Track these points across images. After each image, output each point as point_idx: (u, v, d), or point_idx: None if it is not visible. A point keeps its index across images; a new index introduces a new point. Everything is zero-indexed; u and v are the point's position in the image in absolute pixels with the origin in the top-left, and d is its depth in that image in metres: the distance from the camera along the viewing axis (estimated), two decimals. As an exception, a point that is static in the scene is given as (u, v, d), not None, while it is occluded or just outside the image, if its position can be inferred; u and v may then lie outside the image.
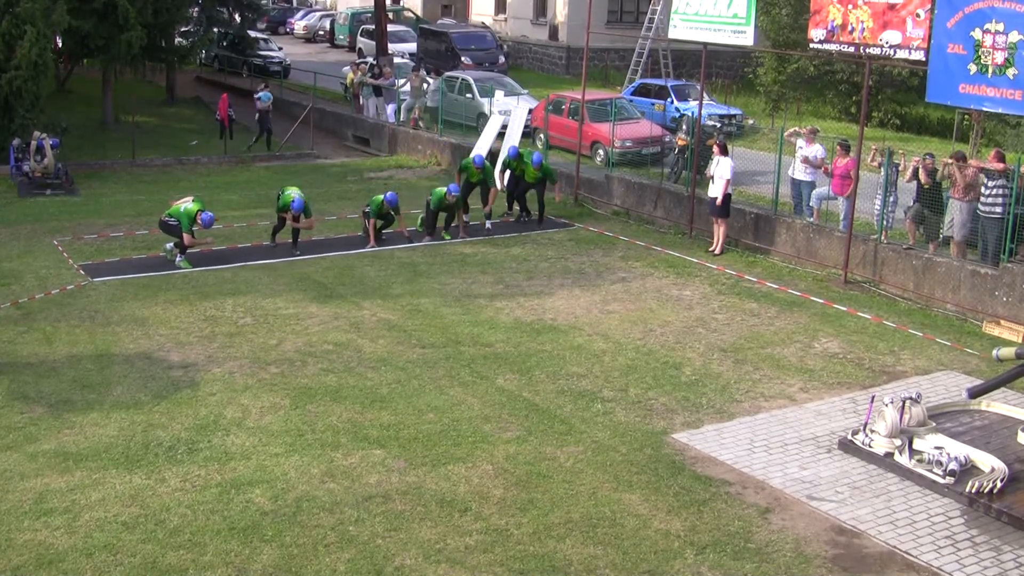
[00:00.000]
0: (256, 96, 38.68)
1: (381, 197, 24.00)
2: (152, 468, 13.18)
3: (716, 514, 12.49)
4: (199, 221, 21.76)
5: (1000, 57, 18.79)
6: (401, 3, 67.04)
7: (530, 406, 15.25)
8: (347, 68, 44.88)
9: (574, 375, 16.43)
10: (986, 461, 13.67)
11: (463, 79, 38.17)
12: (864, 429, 14.24)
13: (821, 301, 20.42)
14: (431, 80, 39.44)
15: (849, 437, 14.32)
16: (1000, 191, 20.21)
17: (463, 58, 47.04)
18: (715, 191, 23.35)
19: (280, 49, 54.86)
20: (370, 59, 44.34)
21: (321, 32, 67.65)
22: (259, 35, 56.56)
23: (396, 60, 43.58)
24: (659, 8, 43.29)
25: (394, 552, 11.42)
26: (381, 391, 15.61)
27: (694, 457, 13.89)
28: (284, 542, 11.58)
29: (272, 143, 37.68)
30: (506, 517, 12.19)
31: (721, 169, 23.29)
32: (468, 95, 37.07)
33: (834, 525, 12.41)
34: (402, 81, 38.60)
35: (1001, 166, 20.52)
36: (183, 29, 45.92)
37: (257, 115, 38.12)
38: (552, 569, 11.24)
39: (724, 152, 23.57)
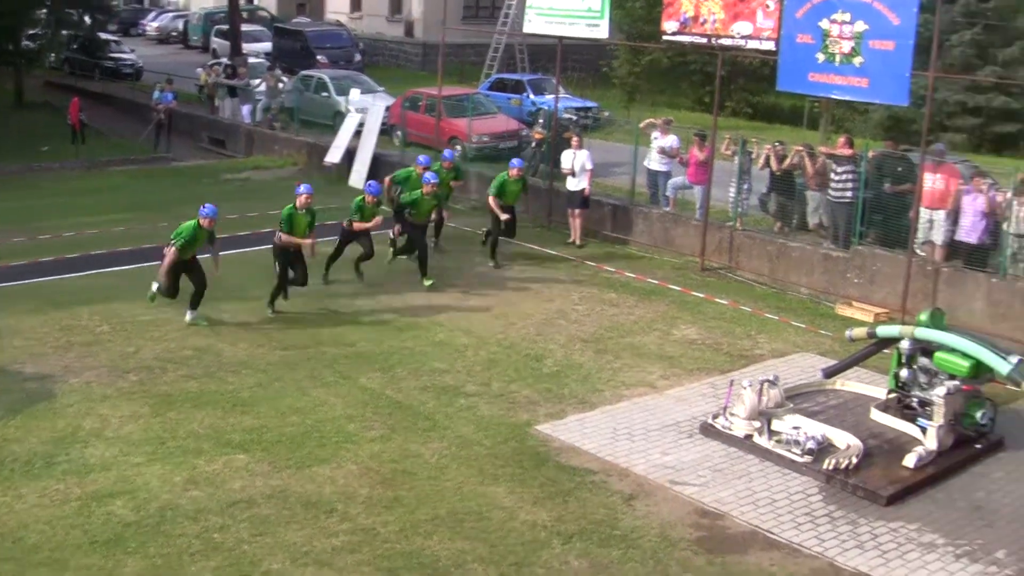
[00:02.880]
0: (156, 97, 38.15)
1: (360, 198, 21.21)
2: (8, 484, 12.82)
3: (581, 503, 12.60)
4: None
5: (847, 46, 19.25)
6: (255, 2, 66.33)
7: (393, 404, 15.22)
8: (200, 69, 44.28)
9: (437, 371, 16.44)
10: (842, 438, 14.03)
11: (319, 78, 37.93)
12: (724, 413, 14.50)
13: (679, 289, 20.73)
14: (286, 79, 39.11)
15: (709, 421, 14.56)
16: (849, 176, 20.72)
17: (319, 57, 46.75)
18: (579, 184, 23.51)
19: (132, 51, 53.93)
20: (224, 59, 43.79)
21: (174, 33, 66.56)
22: (110, 37, 55.53)
23: (251, 60, 43.09)
24: (514, 3, 43.45)
25: (261, 557, 11.31)
26: (243, 395, 15.44)
27: (558, 448, 13.99)
28: (148, 553, 11.38)
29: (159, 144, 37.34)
30: (373, 516, 12.15)
31: (584, 161, 23.46)
32: (324, 94, 36.84)
33: (697, 508, 12.60)
34: (257, 81, 38.22)
35: (850, 152, 21.03)
36: (31, 32, 44.86)
37: (157, 116, 37.63)
38: (420, 566, 11.24)
39: (581, 145, 23.78)
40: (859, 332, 15.87)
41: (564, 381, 16.19)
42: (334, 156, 30.94)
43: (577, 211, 23.82)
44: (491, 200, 22.44)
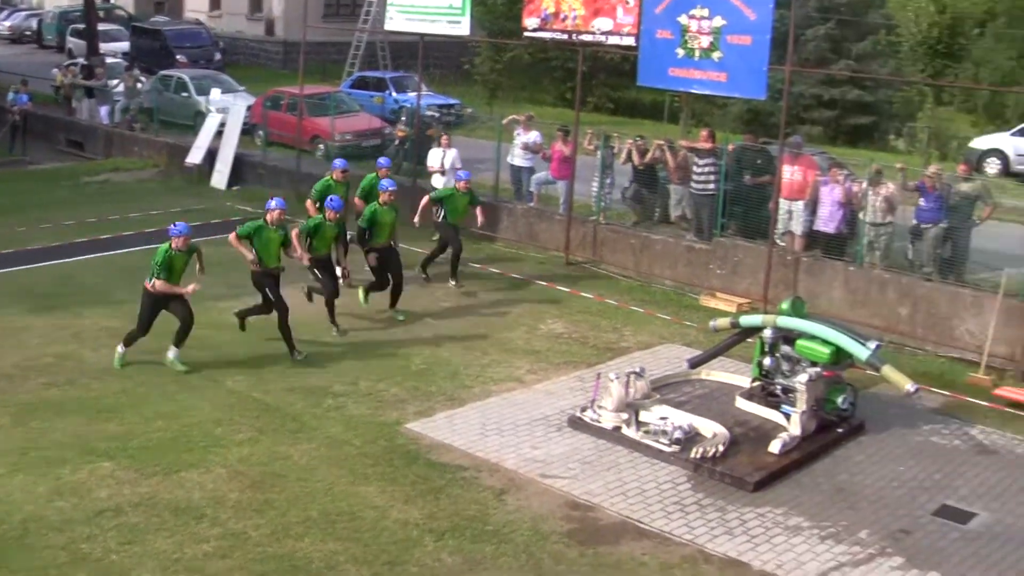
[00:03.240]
0: (11, 98, 37.19)
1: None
2: None
3: (453, 499, 12.61)
4: (174, 246, 16.35)
5: (706, 41, 19.54)
6: (112, 1, 65.07)
7: (261, 406, 15.06)
8: (56, 70, 43.29)
9: (303, 371, 16.31)
10: (708, 427, 14.24)
11: (178, 78, 37.39)
12: (592, 405, 14.63)
13: (545, 283, 20.86)
14: (145, 80, 38.47)
15: (578, 414, 14.67)
16: (711, 169, 21.05)
17: (178, 56, 46.04)
18: (448, 182, 23.40)
19: (-17, 51, 52.66)
20: (81, 60, 42.87)
21: (28, 32, 64.86)
22: (-42, 37, 54.11)
23: (108, 60, 42.19)
24: (375, 1, 43.28)
25: (130, 567, 11.10)
26: (107, 401, 15.14)
27: (428, 445, 13.99)
28: (12, 567, 11.09)
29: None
30: (243, 520, 12.02)
31: (454, 160, 23.42)
32: (184, 94, 36.33)
33: (568, 501, 12.69)
34: (115, 82, 37.50)
35: (710, 145, 21.36)
36: None
37: (11, 118, 36.68)
38: (293, 569, 11.14)
39: (450, 143, 23.78)
40: (723, 322, 16.13)
41: (432, 378, 16.19)
42: (195, 157, 30.50)
43: None
44: (424, 201, 20.71)
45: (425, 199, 20.76)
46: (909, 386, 14.09)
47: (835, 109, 38.69)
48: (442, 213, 20.51)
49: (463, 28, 24.60)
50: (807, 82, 37.70)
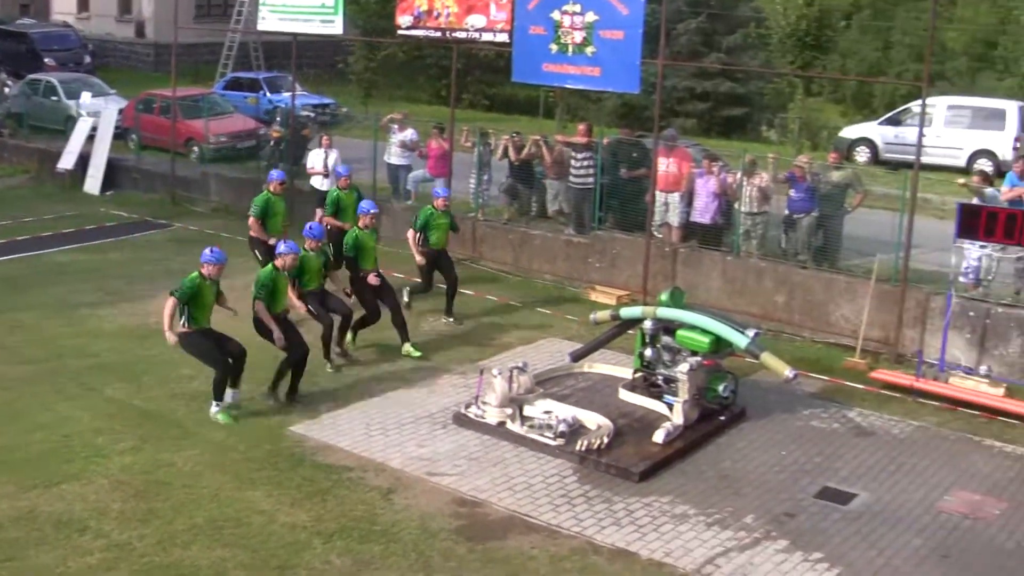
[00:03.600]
0: None
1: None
2: None
3: (340, 501, 12.55)
4: (206, 273, 14.75)
5: (579, 36, 19.68)
6: (-27, 5, 63.53)
7: (142, 414, 14.83)
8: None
9: (185, 377, 16.07)
10: (592, 419, 14.36)
11: (47, 81, 36.54)
12: (476, 402, 14.65)
13: (427, 282, 20.81)
14: (12, 84, 37.62)
15: (463, 411, 14.69)
16: (588, 163, 21.21)
17: (46, 59, 44.98)
18: (331, 184, 23.17)
19: None
20: (-57, 66, 41.86)
21: None
22: None
23: (-29, 65, 41.30)
24: (247, 1, 42.85)
25: (10, 581, 10.91)
26: (-18, 414, 14.82)
27: (313, 447, 13.90)
28: None
29: None
30: (128, 531, 11.82)
31: (336, 161, 23.22)
32: (54, 98, 35.53)
33: (456, 497, 12.71)
34: (-20, 87, 36.67)
35: (586, 139, 21.52)
36: None
37: None
38: (180, 577, 11.03)
39: (332, 144, 23.61)
40: (603, 315, 16.27)
41: (315, 379, 16.06)
42: (67, 162, 29.89)
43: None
44: (410, 237, 18.71)
45: (410, 233, 18.60)
46: (788, 372, 14.35)
47: (708, 101, 39.21)
48: (421, 238, 18.59)
49: (336, 27, 24.48)
50: (680, 75, 38.16)
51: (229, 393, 14.84)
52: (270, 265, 15.52)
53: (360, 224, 17.29)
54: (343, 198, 19.44)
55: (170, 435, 14.16)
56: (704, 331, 14.65)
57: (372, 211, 17.34)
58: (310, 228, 16.40)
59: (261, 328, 15.17)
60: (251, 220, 18.95)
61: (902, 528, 12.41)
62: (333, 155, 23.29)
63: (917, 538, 12.21)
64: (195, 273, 14.67)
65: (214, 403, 14.69)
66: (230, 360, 14.77)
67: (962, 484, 13.55)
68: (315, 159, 23.47)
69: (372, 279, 16.95)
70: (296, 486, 12.86)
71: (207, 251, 14.83)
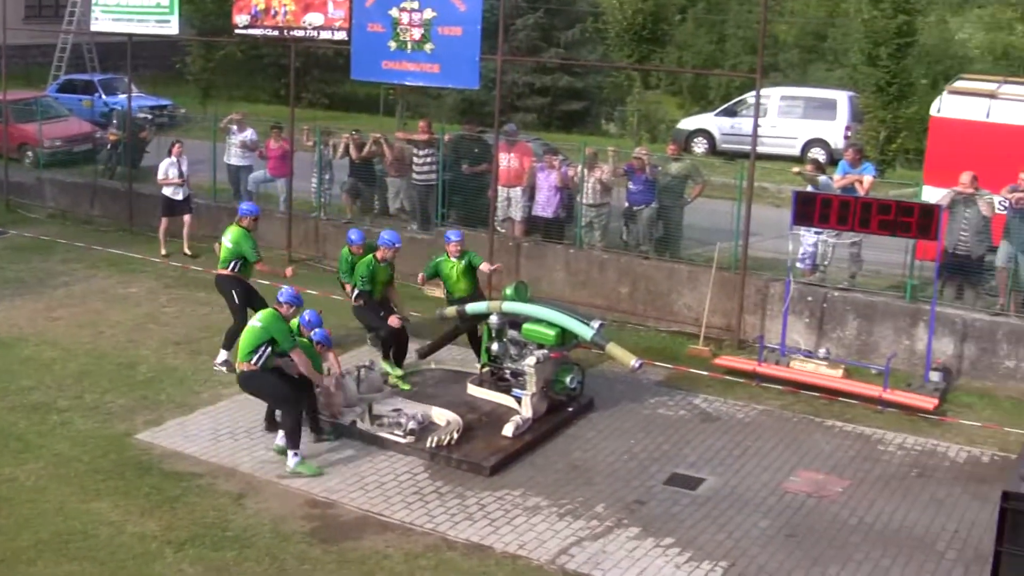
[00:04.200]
0: None
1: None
2: None
3: (190, 508, 12.34)
4: (310, 336, 14.13)
5: (417, 33, 19.64)
6: None
7: (-21, 427, 14.43)
8: None
9: (25, 388, 15.65)
10: (441, 415, 14.37)
11: None
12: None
13: (267, 283, 20.48)
14: None
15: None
16: (430, 159, 21.22)
17: None
18: (184, 192, 22.74)
19: None
20: None
21: None
22: None
23: None
24: (79, 1, 41.84)
25: None
26: None
27: (160, 455, 13.65)
28: None
29: None
30: (-33, 548, 11.50)
31: (185, 168, 22.80)
32: None
33: (308, 500, 12.61)
34: None
35: (427, 136, 21.50)
36: None
37: None
38: (25, 593, 10.75)
39: (183, 152, 23.09)
40: (450, 311, 16.28)
41: (160, 387, 15.80)
42: None
43: (187, 218, 22.96)
44: (421, 280, 16.95)
45: (421, 277, 16.91)
46: (634, 362, 14.53)
47: (548, 96, 39.45)
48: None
49: (172, 27, 24.07)
50: (519, 71, 38.32)
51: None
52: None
53: (378, 256, 16.08)
54: (379, 271, 16.29)
55: (11, 449, 13.76)
56: (550, 324, 14.75)
57: (397, 245, 16.13)
58: (385, 237, 16.07)
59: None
60: (259, 264, 16.90)
61: (749, 510, 12.66)
62: (185, 163, 22.82)
63: (764, 519, 12.47)
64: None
65: (292, 454, 13.30)
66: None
67: (806, 464, 13.89)
68: (167, 169, 22.81)
69: (394, 321, 15.91)
70: (144, 495, 12.62)
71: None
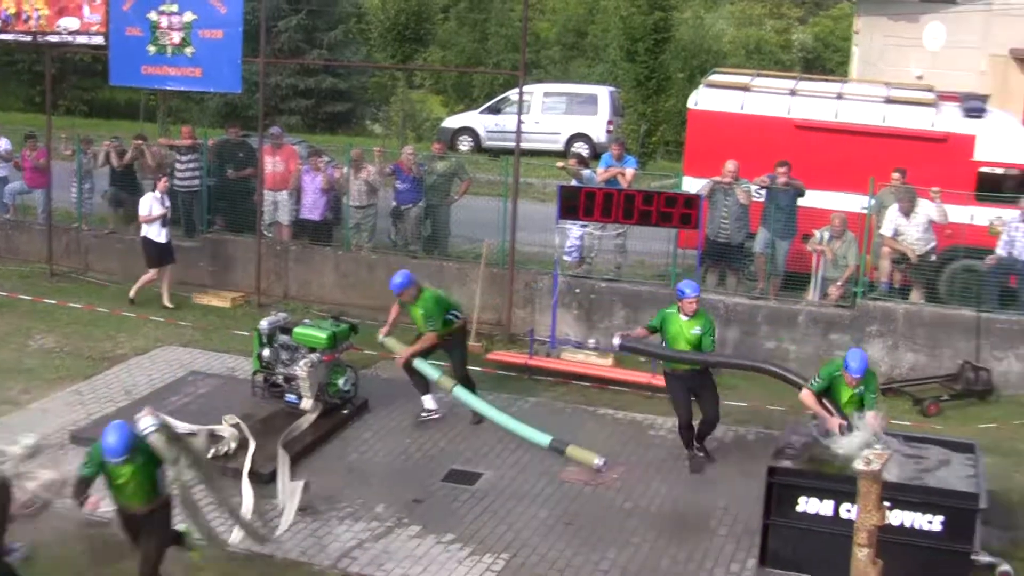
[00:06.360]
0: None
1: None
2: None
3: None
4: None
5: (177, 37, 19.29)
6: None
7: None
8: None
9: None
10: (216, 429, 14.06)
11: None
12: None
13: (30, 298, 19.86)
14: None
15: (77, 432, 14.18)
16: (194, 165, 20.89)
17: None
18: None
19: None
20: None
21: None
22: None
23: None
24: None
25: None
26: None
27: None
28: None
29: None
30: None
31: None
32: None
33: (83, 520, 12.15)
34: None
35: (191, 141, 21.15)
36: None
37: None
38: None
39: None
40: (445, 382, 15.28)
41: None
42: None
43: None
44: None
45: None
46: (597, 460, 13.69)
47: (312, 98, 39.20)
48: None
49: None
50: (282, 73, 37.99)
51: None
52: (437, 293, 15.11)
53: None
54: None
55: None
56: (319, 327, 14.76)
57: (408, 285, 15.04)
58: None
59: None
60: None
61: (528, 501, 12.88)
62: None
63: (542, 509, 12.70)
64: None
65: None
66: None
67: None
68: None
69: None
70: None
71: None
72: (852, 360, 12.13)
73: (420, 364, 14.85)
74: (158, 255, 19.53)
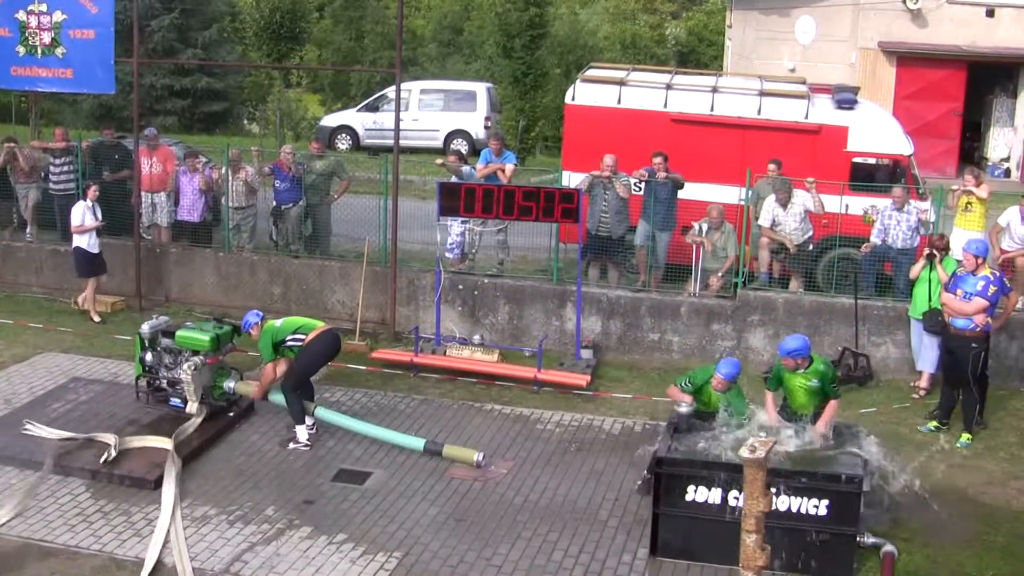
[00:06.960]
0: None
1: None
2: None
3: None
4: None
5: (47, 37, 18.95)
6: None
7: None
8: None
9: None
10: (98, 436, 13.91)
11: None
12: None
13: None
14: None
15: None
16: (68, 167, 20.57)
17: None
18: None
19: None
20: None
21: None
22: None
23: None
24: None
25: None
26: None
27: None
28: None
29: None
30: None
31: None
32: None
33: (-40, 533, 12.05)
34: None
35: (64, 143, 20.81)
36: None
37: None
38: None
39: None
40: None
41: None
42: None
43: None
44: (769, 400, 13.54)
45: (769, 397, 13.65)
46: (477, 456, 13.78)
47: (188, 98, 38.71)
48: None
49: None
50: (157, 73, 37.46)
51: None
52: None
53: None
54: None
55: None
56: (202, 329, 14.66)
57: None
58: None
59: None
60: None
61: (418, 499, 12.91)
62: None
63: (433, 507, 12.74)
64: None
65: None
66: None
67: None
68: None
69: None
70: None
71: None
72: (724, 367, 13.18)
73: (274, 396, 14.75)
74: (91, 266, 19.04)
